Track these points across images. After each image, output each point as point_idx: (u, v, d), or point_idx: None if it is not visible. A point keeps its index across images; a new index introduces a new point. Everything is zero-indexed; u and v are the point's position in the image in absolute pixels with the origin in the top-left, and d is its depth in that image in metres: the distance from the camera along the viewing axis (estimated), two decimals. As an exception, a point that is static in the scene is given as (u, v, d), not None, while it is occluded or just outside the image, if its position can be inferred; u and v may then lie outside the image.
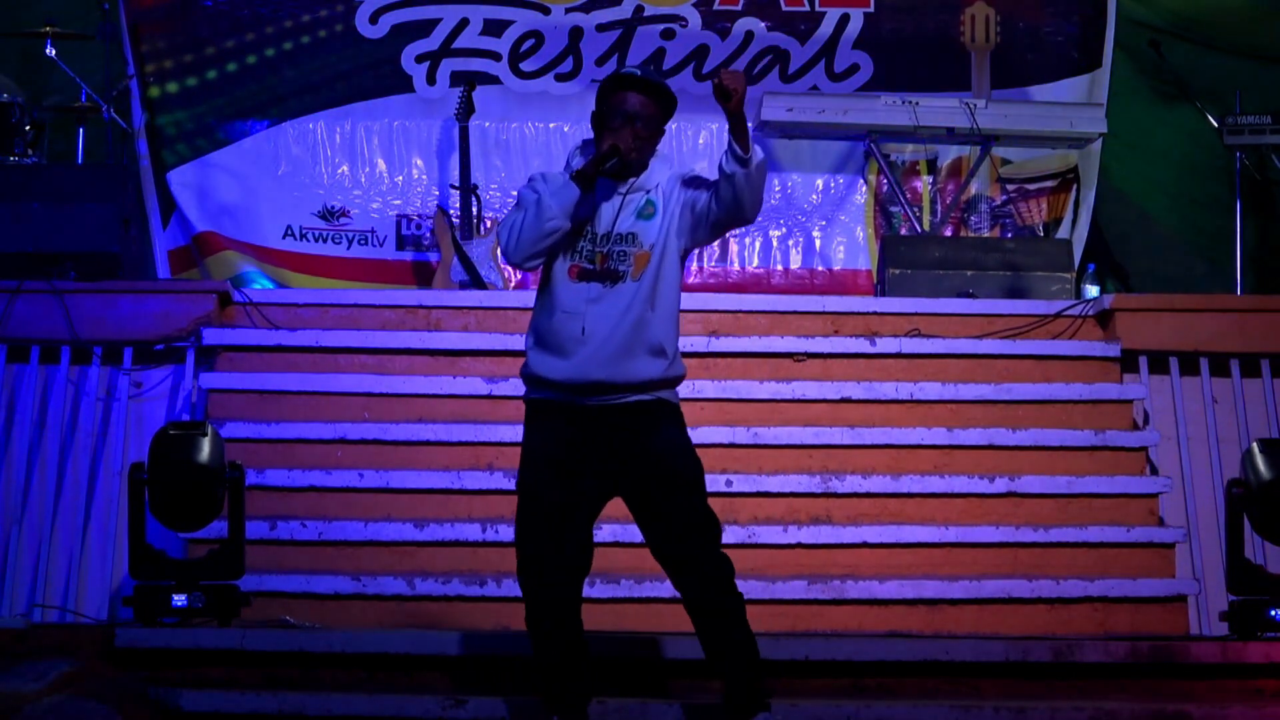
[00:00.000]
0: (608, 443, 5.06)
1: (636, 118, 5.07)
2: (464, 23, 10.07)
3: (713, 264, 10.06)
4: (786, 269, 10.05)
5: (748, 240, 10.03)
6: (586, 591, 6.71)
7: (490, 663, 5.89)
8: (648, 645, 5.97)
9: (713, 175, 5.11)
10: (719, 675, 5.20)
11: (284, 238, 9.90)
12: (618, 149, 5.02)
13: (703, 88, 10.06)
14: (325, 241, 9.93)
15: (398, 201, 9.99)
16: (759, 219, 10.02)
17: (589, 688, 5.24)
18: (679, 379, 5.15)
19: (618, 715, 5.49)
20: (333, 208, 9.95)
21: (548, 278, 5.13)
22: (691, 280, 9.93)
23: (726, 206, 5.02)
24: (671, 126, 10.25)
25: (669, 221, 5.08)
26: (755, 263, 10.07)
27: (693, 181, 5.15)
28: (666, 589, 6.82)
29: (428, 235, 9.90)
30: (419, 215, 9.98)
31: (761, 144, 10.27)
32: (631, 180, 5.12)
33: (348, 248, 9.95)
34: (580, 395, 5.05)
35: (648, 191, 5.12)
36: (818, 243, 10.06)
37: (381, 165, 10.01)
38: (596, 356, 5.01)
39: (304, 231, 9.93)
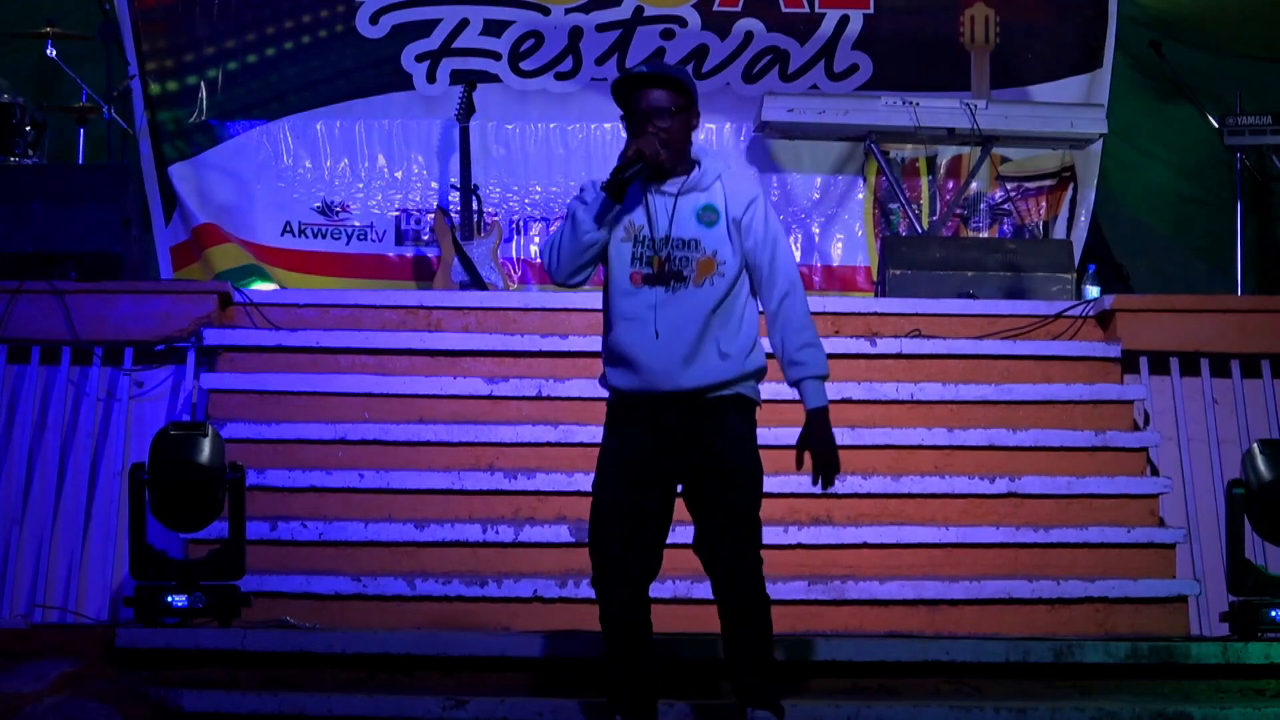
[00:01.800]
0: (677, 438, 5.03)
1: (653, 114, 4.99)
2: (464, 23, 10.09)
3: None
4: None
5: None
6: (586, 592, 6.75)
7: (490, 663, 5.89)
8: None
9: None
10: (731, 675, 5.20)
11: (283, 234, 9.93)
12: (642, 154, 4.95)
13: (702, 86, 9.95)
14: (324, 237, 9.95)
15: (398, 197, 10.03)
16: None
17: (657, 689, 5.21)
18: (753, 374, 5.07)
19: (618, 716, 5.49)
20: (332, 203, 9.98)
21: (609, 290, 5.09)
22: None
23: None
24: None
25: (731, 235, 5.02)
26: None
27: (752, 225, 5.04)
28: (667, 589, 6.85)
29: (427, 231, 9.92)
30: (419, 210, 10.00)
31: (762, 144, 10.32)
32: (682, 179, 5.05)
33: (346, 243, 9.98)
34: (654, 400, 5.03)
35: (704, 191, 5.06)
36: (816, 238, 10.08)
37: (381, 161, 10.03)
38: (665, 364, 4.97)
39: (303, 227, 9.96)
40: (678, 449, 5.04)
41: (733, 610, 5.09)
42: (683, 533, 7.25)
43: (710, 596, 6.82)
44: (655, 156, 4.97)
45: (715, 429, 5.02)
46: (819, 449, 5.06)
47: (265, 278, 9.68)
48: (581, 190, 5.09)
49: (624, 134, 5.07)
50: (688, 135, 5.05)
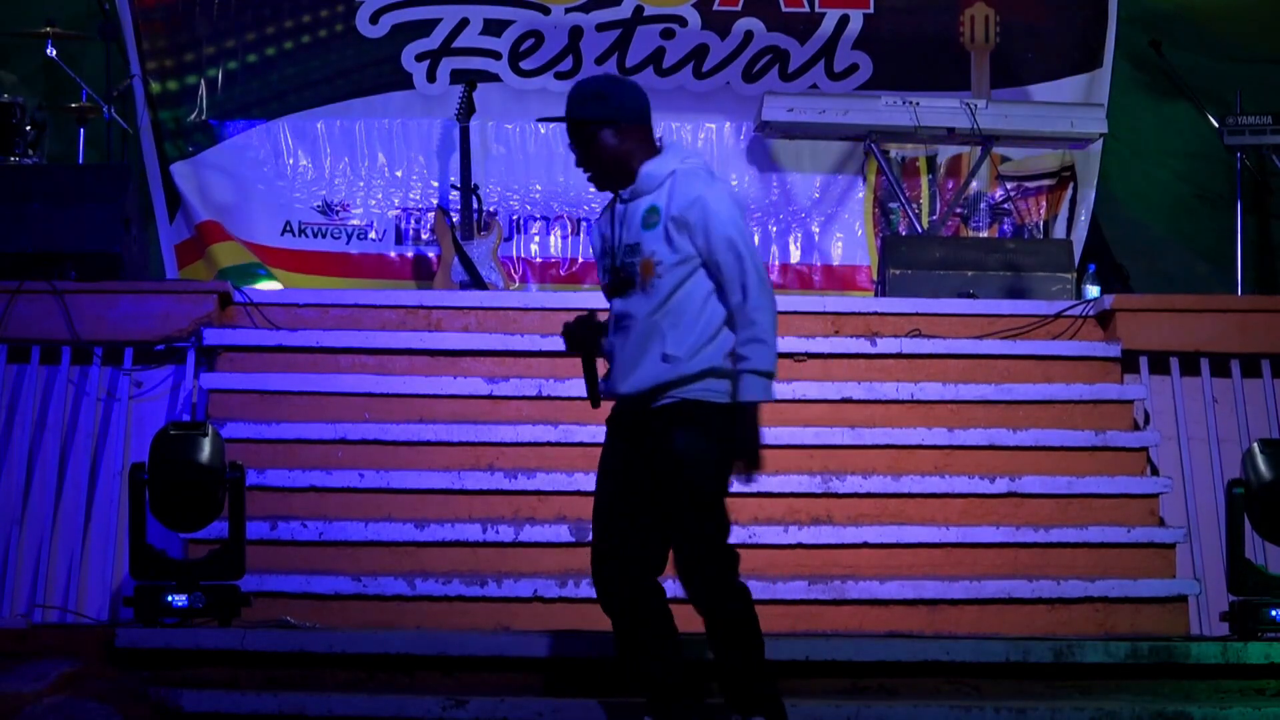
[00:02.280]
0: (640, 446, 5.05)
1: (577, 158, 5.06)
2: (464, 22, 10.09)
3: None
4: (785, 263, 10.08)
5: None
6: (586, 592, 6.75)
7: (490, 663, 5.89)
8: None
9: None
10: (718, 680, 5.20)
11: (283, 234, 9.94)
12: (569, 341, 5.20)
13: (702, 86, 10.10)
14: (324, 237, 9.96)
15: (398, 196, 10.03)
16: (757, 212, 10.13)
17: (679, 685, 5.17)
18: (702, 375, 4.97)
19: (618, 715, 5.49)
20: (332, 202, 9.99)
21: None
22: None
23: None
24: (672, 125, 10.37)
25: (670, 233, 4.95)
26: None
27: (700, 225, 4.94)
28: (667, 589, 6.83)
29: (427, 230, 9.92)
30: (419, 210, 10.01)
31: (762, 144, 10.30)
32: (632, 187, 5.03)
33: (346, 243, 9.98)
34: (622, 405, 5.09)
35: (652, 193, 5.01)
36: (816, 238, 10.08)
37: (382, 159, 10.04)
38: (619, 370, 5.01)
39: (303, 227, 9.96)
40: (640, 456, 5.06)
41: (703, 617, 5.09)
42: (683, 533, 7.22)
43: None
44: (580, 341, 5.16)
45: (660, 444, 5.00)
46: (740, 444, 4.99)
47: (268, 274, 9.69)
48: None
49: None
50: (618, 146, 5.01)
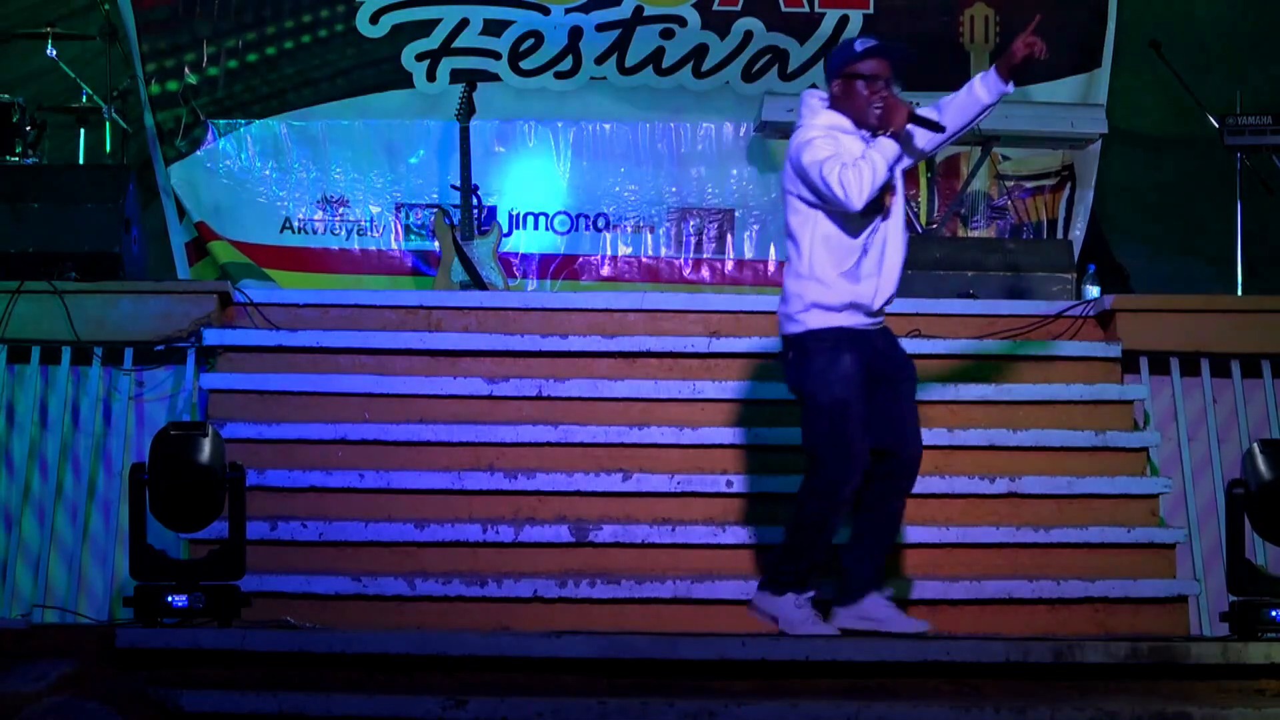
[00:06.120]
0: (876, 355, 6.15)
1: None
2: (464, 23, 10.11)
3: (710, 254, 10.09)
4: (783, 260, 10.09)
5: (746, 233, 10.07)
6: (586, 592, 6.77)
7: (490, 663, 5.88)
8: (648, 645, 5.96)
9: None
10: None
11: (282, 231, 9.96)
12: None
13: (702, 85, 10.11)
14: (324, 234, 9.98)
15: (398, 195, 10.05)
16: (757, 210, 10.14)
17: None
18: None
19: (618, 715, 5.49)
20: (332, 198, 10.01)
21: (829, 230, 6.09)
22: (688, 271, 10.02)
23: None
24: (671, 124, 10.38)
25: None
26: (751, 253, 10.10)
27: None
28: (666, 589, 6.86)
29: (427, 231, 9.94)
30: (419, 209, 10.02)
31: (762, 144, 10.29)
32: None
33: (346, 239, 10.01)
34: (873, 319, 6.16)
35: None
36: (815, 235, 10.10)
37: (381, 159, 10.06)
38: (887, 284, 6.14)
39: (303, 224, 9.98)
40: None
41: None
42: (684, 532, 7.25)
43: (709, 596, 6.87)
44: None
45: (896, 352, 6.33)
46: None
47: (261, 273, 9.71)
48: (815, 140, 6.13)
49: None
50: None
